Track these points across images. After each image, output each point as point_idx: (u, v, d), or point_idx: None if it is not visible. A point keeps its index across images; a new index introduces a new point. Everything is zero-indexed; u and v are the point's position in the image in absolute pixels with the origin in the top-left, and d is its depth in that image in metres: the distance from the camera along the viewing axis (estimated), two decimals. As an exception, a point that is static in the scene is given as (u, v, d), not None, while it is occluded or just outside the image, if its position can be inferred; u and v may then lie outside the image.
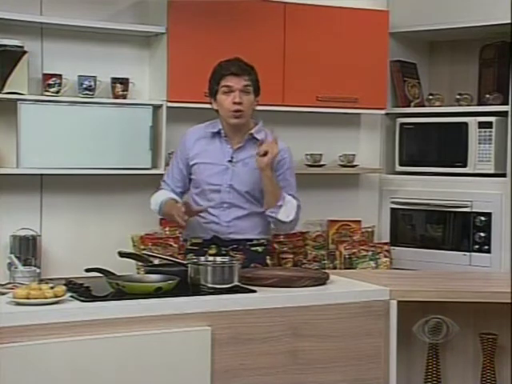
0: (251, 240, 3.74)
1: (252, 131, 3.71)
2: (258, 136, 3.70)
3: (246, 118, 3.69)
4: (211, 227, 3.71)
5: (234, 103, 3.62)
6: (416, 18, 4.94)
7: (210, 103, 3.74)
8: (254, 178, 3.67)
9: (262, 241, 3.78)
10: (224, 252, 3.64)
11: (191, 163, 3.77)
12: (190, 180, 3.82)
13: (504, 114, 4.64)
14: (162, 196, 3.80)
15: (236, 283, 3.10)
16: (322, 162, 4.86)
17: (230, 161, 3.71)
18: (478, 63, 5.00)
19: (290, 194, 3.70)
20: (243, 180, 3.69)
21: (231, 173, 3.69)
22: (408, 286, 3.44)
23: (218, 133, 3.74)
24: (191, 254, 3.60)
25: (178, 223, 3.65)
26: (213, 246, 3.70)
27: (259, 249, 3.77)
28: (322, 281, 3.32)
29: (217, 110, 3.72)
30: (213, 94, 3.70)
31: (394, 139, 5.09)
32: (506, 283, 3.43)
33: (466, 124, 4.77)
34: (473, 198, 4.72)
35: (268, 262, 3.82)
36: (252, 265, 3.64)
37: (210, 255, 3.54)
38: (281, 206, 3.65)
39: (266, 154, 3.55)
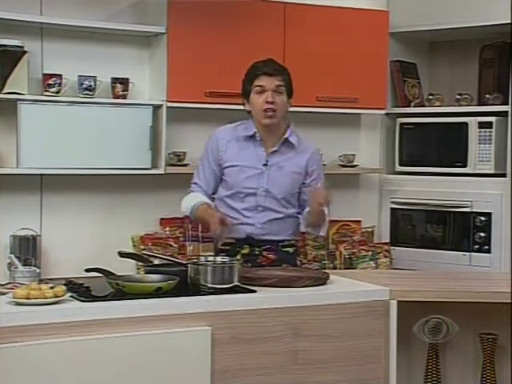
0: (283, 241, 3.76)
1: (286, 135, 3.73)
2: (293, 140, 3.73)
3: (279, 119, 3.69)
4: (245, 228, 3.71)
5: (267, 102, 3.63)
6: (416, 18, 4.94)
7: (243, 103, 3.75)
8: (289, 181, 3.73)
9: (293, 241, 3.82)
10: (257, 252, 3.69)
11: (225, 165, 3.74)
12: (221, 181, 3.80)
13: (504, 114, 4.64)
14: (194, 199, 3.75)
15: (236, 283, 3.10)
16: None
17: (265, 164, 3.71)
18: (478, 63, 5.00)
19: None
20: (279, 184, 3.70)
21: (267, 177, 3.70)
22: (408, 286, 3.44)
23: (253, 136, 3.73)
24: (223, 254, 3.58)
25: (212, 231, 3.59)
26: (246, 245, 3.71)
27: (290, 250, 3.80)
28: (322, 281, 3.32)
29: (249, 112, 3.73)
30: (246, 94, 3.71)
31: (393, 139, 5.09)
32: (506, 283, 3.42)
33: (465, 124, 4.77)
34: (473, 198, 4.72)
35: (297, 262, 3.88)
36: (284, 265, 3.66)
37: (243, 255, 3.63)
38: (321, 226, 3.74)
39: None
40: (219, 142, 3.76)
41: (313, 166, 3.77)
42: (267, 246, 3.72)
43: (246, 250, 3.71)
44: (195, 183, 3.82)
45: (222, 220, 3.54)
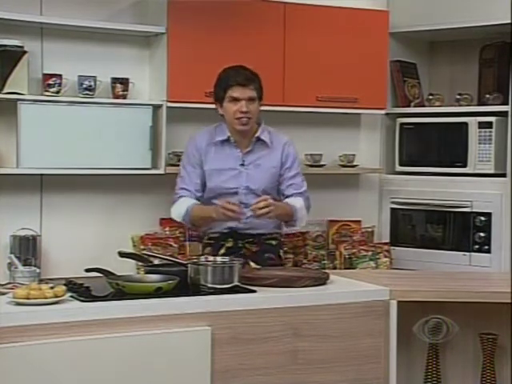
0: (265, 234, 3.89)
1: (257, 134, 3.86)
2: (264, 138, 3.87)
3: (252, 124, 3.83)
4: (229, 224, 3.81)
5: (241, 112, 3.74)
6: (416, 18, 4.94)
7: (216, 106, 3.85)
8: (268, 177, 3.87)
9: (276, 235, 3.95)
10: (240, 245, 3.83)
11: (205, 168, 3.86)
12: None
13: (504, 114, 4.64)
14: (185, 204, 3.84)
15: (236, 283, 3.10)
16: (322, 162, 4.85)
17: (242, 164, 3.85)
18: (478, 63, 4.99)
19: (298, 193, 3.88)
20: (258, 181, 3.84)
21: (245, 175, 3.84)
22: (408, 286, 3.44)
23: (227, 140, 3.85)
24: (209, 248, 3.84)
25: (231, 217, 3.62)
26: (230, 239, 3.84)
27: (273, 242, 3.93)
28: (322, 281, 3.32)
29: (222, 115, 3.84)
30: (219, 100, 3.82)
31: (393, 139, 5.09)
32: (506, 283, 3.42)
33: (466, 124, 4.77)
34: (473, 198, 4.72)
35: (281, 254, 3.99)
36: (266, 255, 3.84)
37: (227, 248, 3.78)
38: (296, 220, 3.87)
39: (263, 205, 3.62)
40: (198, 146, 3.89)
41: (286, 157, 3.89)
42: (250, 239, 3.85)
43: (230, 244, 3.85)
44: (183, 188, 3.88)
45: (225, 206, 3.59)
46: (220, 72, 3.83)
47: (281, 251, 4.01)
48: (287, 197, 3.88)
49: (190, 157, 3.90)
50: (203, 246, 3.99)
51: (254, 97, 3.77)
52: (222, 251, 3.81)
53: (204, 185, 3.88)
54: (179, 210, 3.86)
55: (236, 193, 3.83)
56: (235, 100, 3.75)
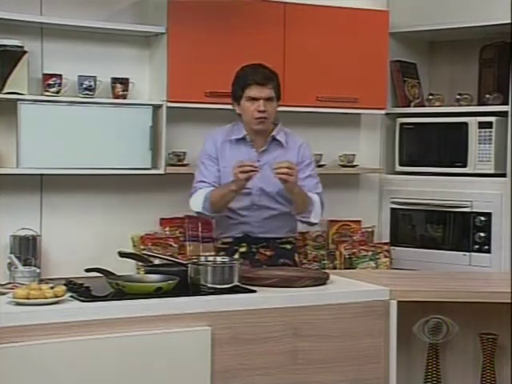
0: (280, 238, 3.81)
1: (273, 133, 3.80)
2: (280, 138, 3.80)
3: (269, 124, 3.78)
4: (242, 227, 3.76)
5: (259, 111, 3.69)
6: (416, 18, 4.94)
7: (232, 105, 3.80)
8: None
9: (290, 238, 3.87)
10: (254, 250, 3.75)
11: (219, 166, 3.79)
12: None
13: (504, 114, 4.64)
14: (202, 193, 3.75)
15: (236, 283, 3.10)
16: (322, 162, 4.85)
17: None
18: (478, 63, 4.99)
19: (315, 193, 3.78)
20: (272, 182, 3.69)
21: (260, 176, 3.68)
22: (408, 286, 3.44)
23: (243, 138, 3.79)
24: (222, 253, 3.70)
25: (250, 174, 3.53)
26: (243, 244, 3.76)
27: (288, 246, 3.85)
28: (322, 281, 3.32)
29: (239, 114, 3.78)
30: (236, 98, 3.76)
31: (394, 139, 5.09)
32: (506, 283, 3.42)
33: (466, 124, 4.77)
34: (473, 198, 4.72)
35: (296, 258, 3.91)
36: (281, 260, 3.75)
37: (241, 253, 3.69)
38: (311, 211, 3.75)
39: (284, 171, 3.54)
40: (214, 143, 3.82)
41: (300, 158, 3.82)
42: (264, 244, 3.77)
43: (243, 249, 3.76)
44: (201, 181, 3.80)
45: (240, 165, 3.51)
46: (238, 70, 3.78)
47: (296, 255, 3.93)
48: None
49: (207, 152, 3.83)
50: (216, 251, 3.91)
51: (272, 96, 3.72)
52: (236, 257, 3.68)
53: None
54: (198, 200, 3.75)
55: (249, 193, 3.74)
56: (253, 99, 3.69)
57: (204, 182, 3.79)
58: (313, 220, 3.79)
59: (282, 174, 3.52)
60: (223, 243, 3.84)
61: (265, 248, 3.78)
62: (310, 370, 3.13)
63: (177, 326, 2.89)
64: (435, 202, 4.85)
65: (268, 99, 3.70)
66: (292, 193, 3.65)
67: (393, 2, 5.02)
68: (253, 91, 3.69)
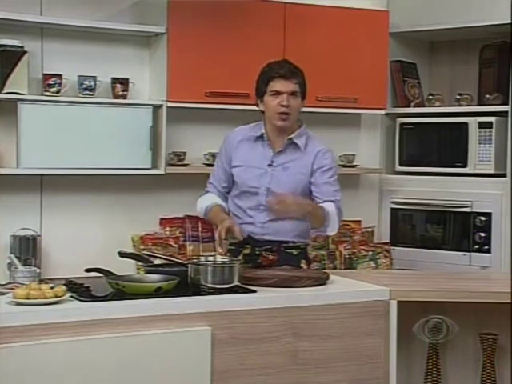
0: (286, 242, 3.70)
1: (292, 136, 3.69)
2: (298, 141, 3.69)
3: (292, 122, 3.67)
4: (246, 227, 3.68)
5: (282, 106, 3.61)
6: (416, 18, 4.94)
7: (256, 104, 3.72)
8: (293, 182, 3.66)
9: (299, 244, 3.75)
10: (257, 252, 3.67)
11: (233, 164, 3.74)
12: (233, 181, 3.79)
13: (504, 114, 4.65)
14: (206, 201, 3.76)
15: (236, 283, 3.10)
16: (322, 162, 4.85)
17: (270, 165, 3.68)
18: (478, 63, 5.00)
19: (329, 200, 3.66)
20: (282, 184, 3.64)
21: (270, 176, 3.65)
22: (408, 286, 3.44)
23: (261, 136, 3.72)
24: (229, 254, 3.61)
25: (216, 236, 3.61)
26: (247, 246, 3.69)
27: (294, 251, 3.72)
28: (322, 281, 3.32)
29: (262, 112, 3.71)
30: (260, 94, 3.68)
31: (394, 139, 5.09)
32: (506, 283, 3.42)
33: (466, 124, 4.77)
34: (473, 198, 4.72)
35: (303, 265, 3.75)
36: (285, 266, 3.61)
37: (244, 255, 3.63)
38: (327, 226, 3.66)
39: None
40: (231, 141, 3.76)
41: (316, 165, 3.70)
42: (268, 247, 3.68)
43: (247, 251, 3.69)
44: (210, 183, 3.82)
45: (230, 228, 3.51)
46: (263, 66, 3.70)
47: (303, 262, 3.74)
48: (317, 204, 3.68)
49: (221, 151, 3.80)
50: (228, 251, 3.77)
51: (297, 91, 3.62)
52: (240, 258, 3.59)
53: (229, 181, 3.76)
54: (201, 205, 3.77)
55: (257, 193, 3.68)
56: (277, 93, 3.60)
57: (212, 184, 3.80)
58: (329, 233, 3.74)
59: (275, 210, 3.46)
60: (230, 244, 3.75)
61: (269, 251, 3.68)
62: (310, 370, 3.13)
63: (177, 326, 2.89)
64: (435, 202, 4.85)
65: (292, 94, 3.61)
66: (304, 217, 3.60)
67: (393, 2, 5.03)
68: (277, 85, 3.61)
